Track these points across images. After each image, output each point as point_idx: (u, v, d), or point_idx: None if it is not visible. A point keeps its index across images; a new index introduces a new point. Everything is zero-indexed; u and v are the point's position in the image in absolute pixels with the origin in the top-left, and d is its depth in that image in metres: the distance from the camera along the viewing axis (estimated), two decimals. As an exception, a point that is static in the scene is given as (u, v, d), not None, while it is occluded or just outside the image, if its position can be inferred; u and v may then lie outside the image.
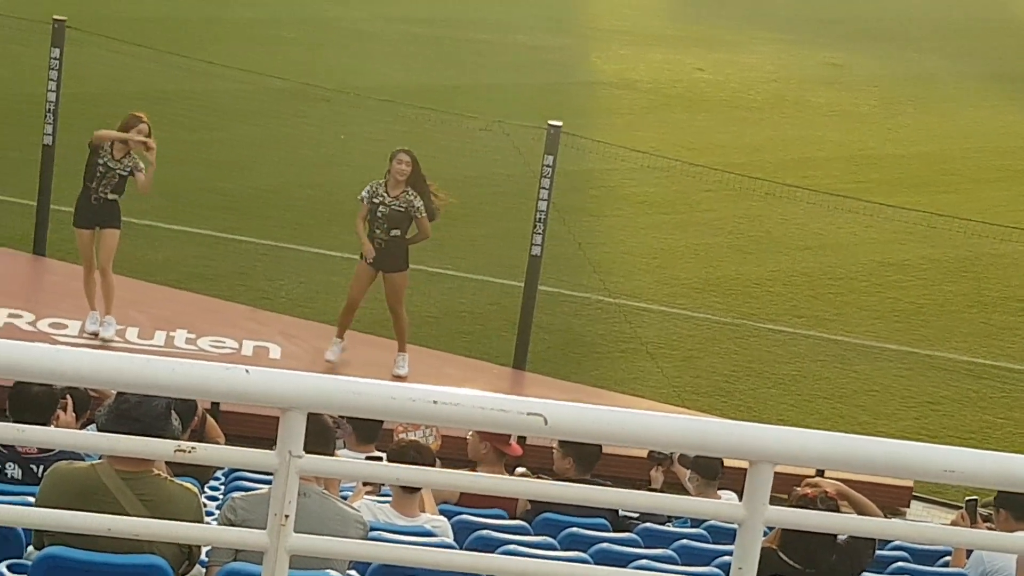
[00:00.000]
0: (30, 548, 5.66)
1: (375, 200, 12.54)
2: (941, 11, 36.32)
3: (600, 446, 8.25)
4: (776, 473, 3.39)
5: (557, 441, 8.40)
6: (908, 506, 12.51)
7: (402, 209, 12.53)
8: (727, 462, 9.35)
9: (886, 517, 9.16)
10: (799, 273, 18.07)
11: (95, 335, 12.52)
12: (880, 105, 27.32)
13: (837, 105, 26.89)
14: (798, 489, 6.84)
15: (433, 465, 7.41)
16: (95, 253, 12.60)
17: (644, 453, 10.15)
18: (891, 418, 14.34)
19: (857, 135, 25.10)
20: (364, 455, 8.21)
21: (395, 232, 12.56)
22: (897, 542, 8.48)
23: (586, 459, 8.44)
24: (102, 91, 19.03)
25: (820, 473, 9.37)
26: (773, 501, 3.40)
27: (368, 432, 8.62)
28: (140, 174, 12.35)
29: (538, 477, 8.27)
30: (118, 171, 12.42)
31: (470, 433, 8.85)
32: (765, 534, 3.96)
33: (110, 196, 12.45)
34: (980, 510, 8.17)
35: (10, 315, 13.04)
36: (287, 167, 18.84)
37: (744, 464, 3.41)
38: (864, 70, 29.86)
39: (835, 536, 6.61)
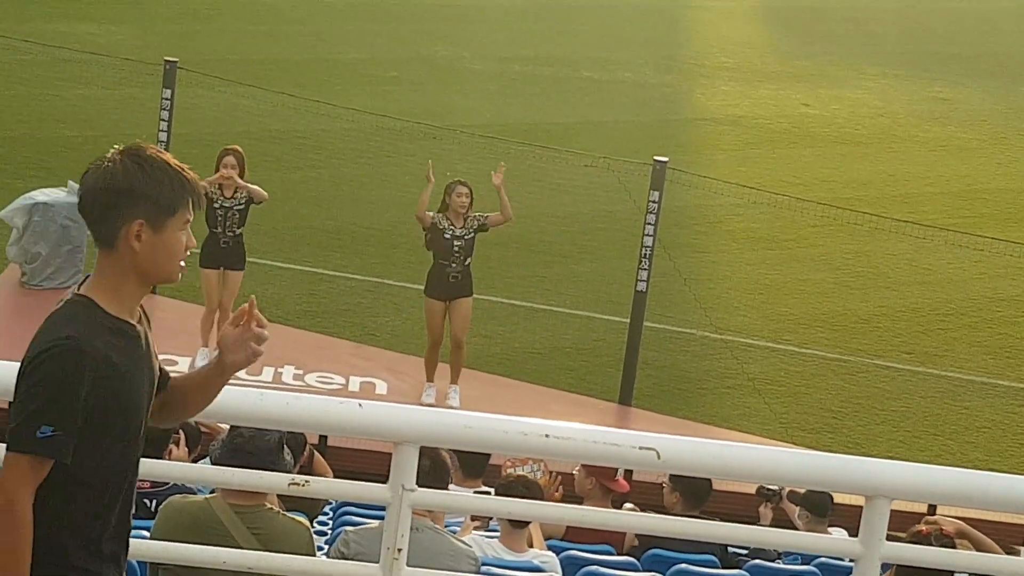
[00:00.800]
0: (145, 581, 5.72)
1: (445, 235, 12.62)
2: (1051, 43, 35.81)
3: (710, 482, 8.17)
4: (892, 511, 3.35)
5: (667, 476, 8.33)
6: None
7: (472, 235, 12.65)
8: (836, 499, 9.24)
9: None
10: (907, 309, 17.84)
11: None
12: (989, 140, 26.96)
13: (945, 140, 26.58)
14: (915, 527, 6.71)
15: (541, 500, 7.40)
16: (220, 293, 12.90)
17: (752, 489, 10.05)
18: (1003, 455, 14.09)
19: (966, 170, 24.77)
20: (471, 490, 8.22)
21: (468, 260, 12.69)
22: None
23: (696, 495, 8.32)
24: (212, 131, 19.32)
25: (932, 512, 9.22)
26: (889, 539, 3.36)
27: (475, 467, 8.62)
28: (255, 191, 12.68)
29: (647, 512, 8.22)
30: (235, 208, 12.73)
31: (576, 469, 8.82)
32: (882, 571, 3.90)
33: (238, 232, 12.81)
34: None
35: (123, 351, 13.23)
36: (392, 205, 18.98)
37: (855, 501, 3.38)
38: (972, 104, 29.50)
39: (952, 574, 6.48)
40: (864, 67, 31.79)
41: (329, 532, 8.13)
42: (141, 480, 6.91)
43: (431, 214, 12.66)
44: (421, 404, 12.61)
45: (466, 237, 12.66)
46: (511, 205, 12.92)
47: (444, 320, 12.80)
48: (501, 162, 12.77)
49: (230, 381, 3.73)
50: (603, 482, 8.66)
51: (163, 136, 14.60)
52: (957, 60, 33.11)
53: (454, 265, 12.67)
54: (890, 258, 19.45)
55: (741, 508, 10.49)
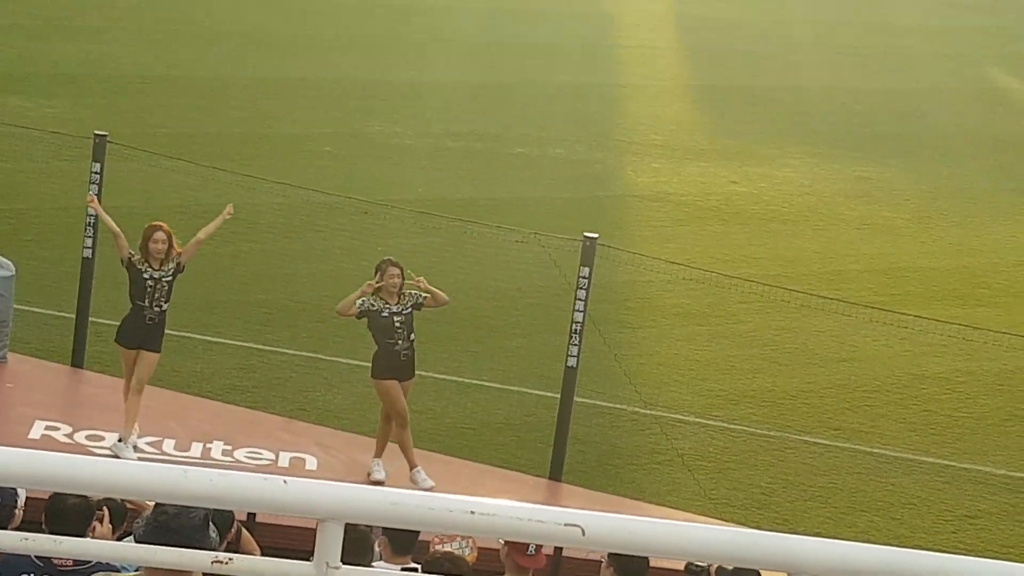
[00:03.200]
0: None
1: (383, 315, 12.65)
2: (975, 125, 36.46)
3: (647, 562, 8.17)
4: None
5: (607, 554, 8.32)
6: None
7: (410, 311, 12.71)
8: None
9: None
10: (834, 385, 18.00)
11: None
12: (913, 219, 27.36)
13: (870, 218, 26.95)
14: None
15: (468, 577, 7.37)
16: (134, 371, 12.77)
17: (682, 566, 10.06)
18: (928, 532, 14.20)
19: (891, 248, 25.11)
20: (400, 567, 8.17)
21: (413, 336, 12.74)
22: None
23: (631, 574, 8.30)
24: (143, 204, 19.27)
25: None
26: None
27: (404, 543, 8.58)
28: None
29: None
30: (164, 279, 12.67)
31: (501, 542, 8.80)
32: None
33: (164, 306, 12.72)
34: None
35: (47, 427, 13.12)
36: (324, 279, 18.98)
37: (783, 577, 3.40)
38: (896, 184, 29.94)
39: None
40: (790, 146, 32.23)
41: (255, 610, 8.05)
42: (63, 559, 6.85)
43: (359, 303, 12.67)
44: (371, 481, 12.57)
45: (404, 312, 12.70)
46: (443, 284, 13.03)
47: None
48: (419, 277, 12.85)
49: (156, 458, 3.70)
50: (515, 556, 8.65)
51: (91, 211, 14.52)
52: (881, 139, 33.64)
53: (400, 343, 12.70)
54: (817, 335, 19.64)
55: (670, 585, 10.49)
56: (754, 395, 17.30)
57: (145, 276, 12.64)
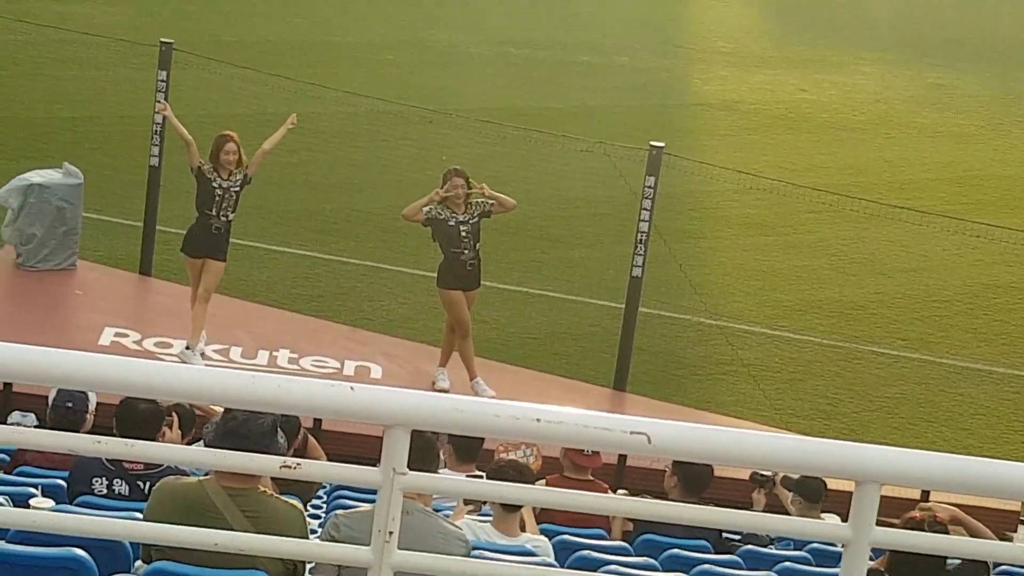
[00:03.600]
0: (138, 563, 5.74)
1: (449, 223, 12.60)
2: (1049, 30, 35.79)
3: (711, 470, 8.18)
4: (885, 498, 3.35)
5: (671, 461, 8.34)
6: (1015, 530, 12.29)
7: (477, 220, 12.64)
8: (831, 485, 9.25)
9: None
10: (903, 295, 17.86)
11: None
12: (986, 126, 26.96)
13: (942, 126, 26.58)
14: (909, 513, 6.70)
15: (533, 484, 7.40)
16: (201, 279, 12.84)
17: (746, 475, 10.06)
18: (997, 441, 14.12)
19: (962, 156, 24.78)
20: (464, 474, 8.22)
21: (479, 246, 12.70)
22: (1005, 567, 8.32)
23: (694, 482, 8.31)
24: (207, 113, 19.30)
25: (926, 498, 9.24)
26: (881, 524, 3.36)
27: (468, 451, 8.63)
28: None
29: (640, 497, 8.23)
30: (232, 189, 12.70)
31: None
32: (872, 558, 3.91)
33: (231, 216, 12.76)
34: None
35: (117, 334, 13.25)
36: (388, 189, 18.98)
37: (848, 487, 3.37)
38: (969, 91, 29.49)
39: (944, 560, 6.47)
40: (861, 53, 31.78)
41: (323, 515, 8.14)
42: (134, 462, 6.94)
43: (425, 210, 12.63)
44: (435, 389, 12.63)
45: (471, 222, 12.66)
46: (508, 193, 12.96)
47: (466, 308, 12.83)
48: (481, 184, 12.77)
49: (223, 365, 3.71)
50: (572, 455, 8.73)
51: (158, 118, 14.57)
52: (954, 46, 33.09)
53: (466, 252, 12.66)
54: (886, 245, 19.46)
55: (735, 494, 10.52)
56: (821, 305, 17.19)
57: (214, 185, 12.68)
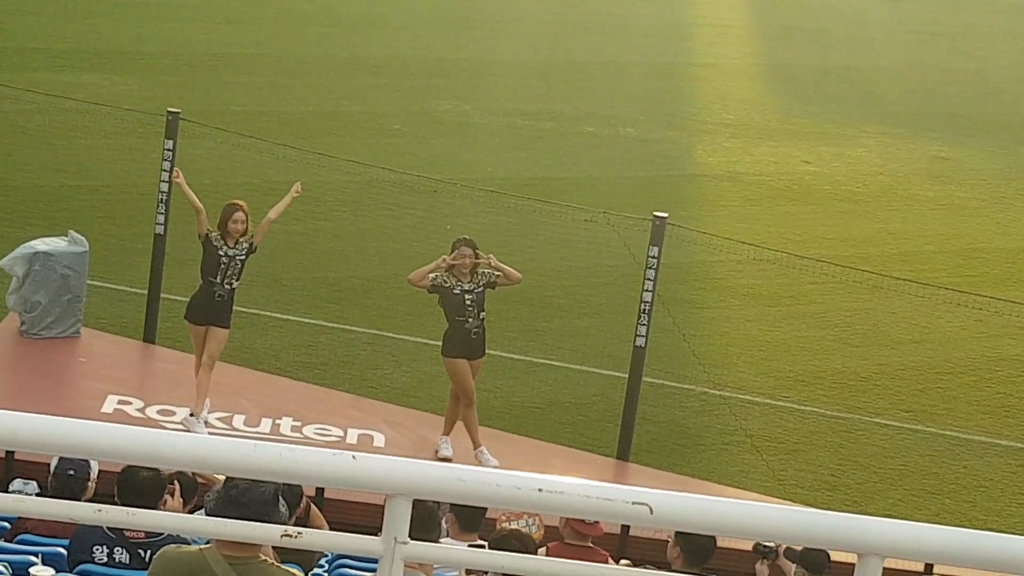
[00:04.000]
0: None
1: (455, 292, 12.66)
2: (1051, 104, 35.97)
3: (715, 541, 8.14)
4: (889, 570, 3.33)
5: (674, 531, 8.30)
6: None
7: (482, 289, 12.70)
8: (834, 557, 9.21)
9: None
10: (906, 367, 17.84)
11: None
12: (989, 199, 27.03)
13: (945, 199, 26.66)
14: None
15: (535, 554, 7.38)
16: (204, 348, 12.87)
17: (749, 546, 10.02)
18: (1001, 515, 14.06)
19: (966, 229, 24.83)
20: (467, 543, 8.19)
21: (483, 315, 12.73)
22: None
23: (697, 552, 8.26)
24: (213, 182, 19.38)
25: (929, 570, 9.20)
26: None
27: (471, 520, 8.61)
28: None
29: (643, 567, 8.19)
30: (238, 257, 12.77)
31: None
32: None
33: (235, 284, 12.81)
34: None
35: (120, 401, 13.25)
36: (393, 257, 19.03)
37: (852, 559, 3.36)
38: (973, 164, 29.60)
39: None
40: (864, 126, 31.93)
41: (324, 585, 8.11)
42: (135, 530, 6.92)
43: (431, 276, 12.69)
44: (438, 458, 12.59)
45: (476, 291, 12.71)
46: (512, 262, 13.02)
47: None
48: (488, 254, 12.85)
49: (225, 433, 3.71)
50: (574, 524, 8.71)
51: (164, 187, 14.65)
52: (957, 119, 33.25)
53: (471, 320, 12.70)
54: (890, 316, 19.46)
55: (738, 565, 10.46)
56: (825, 376, 17.18)
57: (220, 253, 12.75)
